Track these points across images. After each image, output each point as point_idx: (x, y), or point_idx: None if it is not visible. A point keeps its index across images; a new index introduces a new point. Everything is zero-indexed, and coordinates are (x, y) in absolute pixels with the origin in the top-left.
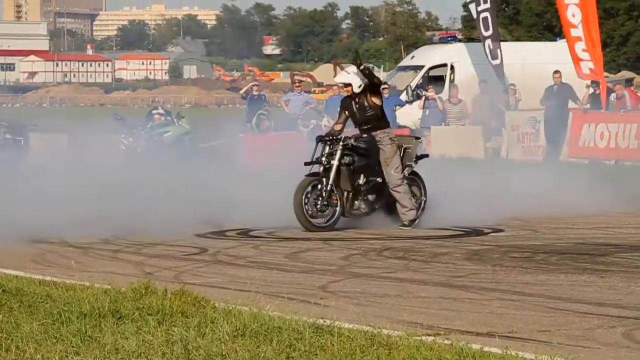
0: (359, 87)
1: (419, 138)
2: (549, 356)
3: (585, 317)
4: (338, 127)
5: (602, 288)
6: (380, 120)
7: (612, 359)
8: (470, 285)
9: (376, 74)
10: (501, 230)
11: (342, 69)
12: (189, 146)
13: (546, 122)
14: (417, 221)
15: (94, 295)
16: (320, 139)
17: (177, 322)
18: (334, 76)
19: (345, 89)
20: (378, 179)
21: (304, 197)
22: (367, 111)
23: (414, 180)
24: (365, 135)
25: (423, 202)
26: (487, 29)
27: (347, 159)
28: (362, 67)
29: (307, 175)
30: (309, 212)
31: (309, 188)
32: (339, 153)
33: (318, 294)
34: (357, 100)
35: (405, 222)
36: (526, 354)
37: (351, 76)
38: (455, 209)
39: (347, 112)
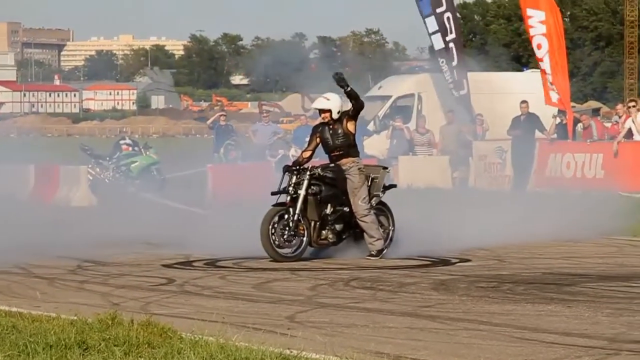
0: (338, 113)
1: (387, 168)
2: None
3: (551, 347)
4: (307, 153)
5: (569, 318)
6: (352, 147)
7: None
8: (437, 315)
9: (344, 103)
10: (468, 260)
11: (309, 99)
12: (156, 176)
13: (513, 152)
14: (385, 251)
15: (60, 327)
16: (287, 169)
17: (143, 353)
18: (302, 106)
19: (323, 115)
20: (345, 209)
21: (270, 227)
22: (340, 137)
23: (381, 210)
24: (332, 165)
25: (391, 232)
26: (452, 60)
27: (314, 189)
28: (349, 89)
29: (273, 205)
30: (276, 242)
31: (276, 218)
32: (306, 182)
33: (285, 324)
34: (332, 125)
35: (372, 252)
36: None
37: (331, 102)
38: (422, 239)
39: (318, 139)
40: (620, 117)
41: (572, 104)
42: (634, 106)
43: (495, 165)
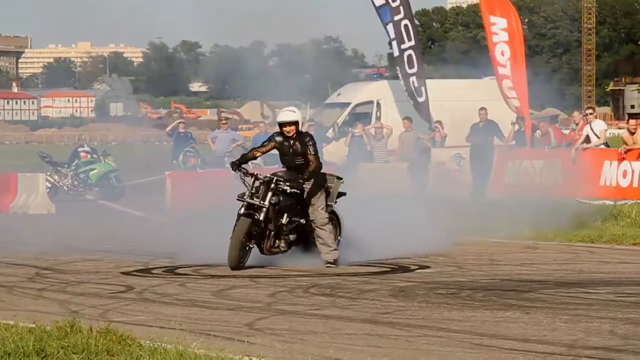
0: (302, 125)
1: (341, 178)
2: None
3: (510, 353)
4: (257, 153)
5: (527, 324)
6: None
7: None
8: (396, 321)
9: (303, 110)
10: (427, 267)
11: (268, 106)
12: (114, 183)
13: (472, 159)
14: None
15: (18, 334)
16: (236, 167)
17: None
18: (261, 113)
19: (288, 128)
20: (301, 220)
21: (242, 239)
22: (299, 159)
23: (331, 219)
24: (291, 175)
25: (338, 241)
26: (411, 67)
27: (274, 199)
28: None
29: (243, 216)
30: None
31: (247, 232)
32: (270, 194)
33: (244, 331)
34: (292, 144)
35: (330, 261)
36: None
37: (297, 114)
38: (381, 246)
39: (276, 149)
40: (577, 124)
41: (531, 110)
42: (591, 113)
43: (453, 172)
